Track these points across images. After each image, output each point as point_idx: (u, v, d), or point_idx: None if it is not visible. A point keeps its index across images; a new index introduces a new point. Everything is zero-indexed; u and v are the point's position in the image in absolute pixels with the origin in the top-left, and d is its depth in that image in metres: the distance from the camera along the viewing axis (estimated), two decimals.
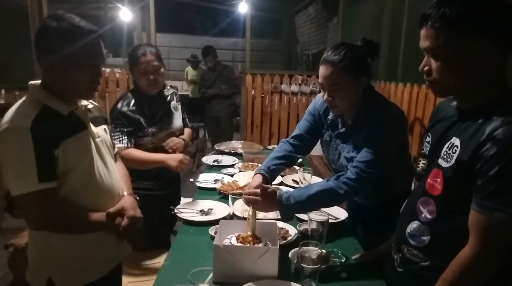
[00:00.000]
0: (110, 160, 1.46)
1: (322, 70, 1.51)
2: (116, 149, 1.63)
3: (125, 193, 1.50)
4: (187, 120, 2.45)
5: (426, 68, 1.04)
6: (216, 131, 5.41)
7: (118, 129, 2.05)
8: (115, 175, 1.47)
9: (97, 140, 1.38)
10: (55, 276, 1.31)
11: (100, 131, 1.43)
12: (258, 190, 1.47)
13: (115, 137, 2.02)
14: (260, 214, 1.74)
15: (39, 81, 1.30)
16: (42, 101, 1.24)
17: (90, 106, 1.43)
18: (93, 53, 1.27)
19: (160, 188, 2.23)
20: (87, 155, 1.32)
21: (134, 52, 2.13)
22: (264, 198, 1.45)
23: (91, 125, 1.37)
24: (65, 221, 1.28)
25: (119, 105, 2.09)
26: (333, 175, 1.60)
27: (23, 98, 1.28)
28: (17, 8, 4.05)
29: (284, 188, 2.01)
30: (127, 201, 1.45)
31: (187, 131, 2.40)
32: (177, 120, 2.30)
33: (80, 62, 1.24)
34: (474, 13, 0.94)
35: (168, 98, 2.31)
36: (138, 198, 1.54)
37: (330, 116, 1.70)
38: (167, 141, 2.18)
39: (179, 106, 2.36)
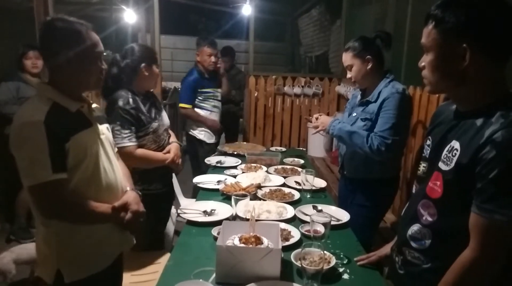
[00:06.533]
0: (113, 156, 1.53)
1: (342, 56, 2.11)
2: (116, 149, 1.66)
3: (128, 188, 1.57)
4: None
5: (422, 64, 1.11)
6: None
7: (126, 127, 1.99)
8: (118, 171, 1.54)
9: (102, 137, 1.46)
10: (63, 268, 1.37)
11: (104, 129, 1.51)
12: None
13: (125, 136, 1.98)
14: (263, 216, 1.76)
15: (46, 81, 1.38)
16: (51, 98, 1.33)
17: (93, 105, 1.50)
18: (98, 44, 1.40)
19: (163, 188, 2.25)
20: (94, 150, 1.40)
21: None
22: (326, 117, 2.18)
23: (96, 123, 1.46)
24: (74, 211, 1.35)
25: (120, 103, 2.00)
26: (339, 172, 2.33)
27: (33, 96, 1.37)
28: (23, 10, 4.08)
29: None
30: (131, 196, 1.52)
31: (171, 132, 2.38)
32: (165, 116, 2.31)
33: (92, 55, 1.37)
34: (459, 19, 0.99)
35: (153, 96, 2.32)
36: (140, 193, 1.60)
37: (356, 93, 2.25)
38: (169, 148, 2.21)
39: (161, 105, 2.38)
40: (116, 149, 1.64)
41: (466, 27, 0.98)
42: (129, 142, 1.99)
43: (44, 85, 1.39)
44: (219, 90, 3.66)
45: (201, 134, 3.55)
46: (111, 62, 2.10)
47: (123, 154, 1.88)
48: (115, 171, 1.51)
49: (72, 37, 1.32)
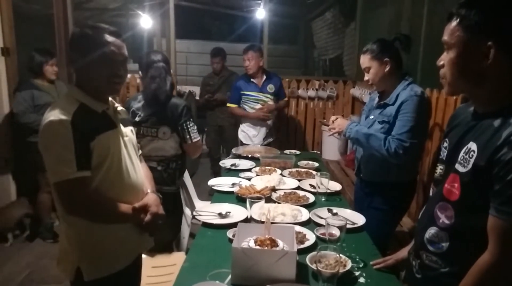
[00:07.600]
0: (135, 158, 1.57)
1: (360, 59, 2.09)
2: (140, 151, 1.72)
3: (149, 190, 1.60)
4: None
5: (441, 62, 1.09)
6: (217, 141, 4.85)
7: (194, 123, 2.28)
8: (139, 173, 1.57)
9: (125, 138, 1.51)
10: (83, 266, 1.39)
11: (128, 131, 1.55)
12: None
13: (196, 130, 2.28)
14: (278, 218, 1.76)
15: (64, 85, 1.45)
16: (79, 99, 1.40)
17: (119, 108, 1.56)
18: (121, 50, 1.43)
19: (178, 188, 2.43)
20: (117, 150, 1.44)
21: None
22: (343, 120, 2.16)
23: (120, 125, 1.51)
24: (95, 209, 1.38)
25: (186, 102, 2.28)
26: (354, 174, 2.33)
27: (63, 96, 1.46)
28: (43, 16, 4.18)
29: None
30: (151, 198, 1.55)
31: None
32: None
33: (114, 60, 1.40)
34: (486, 16, 0.98)
35: None
36: (161, 196, 1.63)
37: (374, 95, 2.25)
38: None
39: None
40: (140, 152, 1.68)
41: (493, 25, 0.97)
42: (199, 136, 2.31)
43: (72, 87, 1.46)
44: (268, 95, 3.80)
45: (241, 134, 3.86)
46: (166, 72, 2.26)
47: (199, 145, 2.32)
48: (137, 172, 1.55)
49: (96, 43, 1.38)
